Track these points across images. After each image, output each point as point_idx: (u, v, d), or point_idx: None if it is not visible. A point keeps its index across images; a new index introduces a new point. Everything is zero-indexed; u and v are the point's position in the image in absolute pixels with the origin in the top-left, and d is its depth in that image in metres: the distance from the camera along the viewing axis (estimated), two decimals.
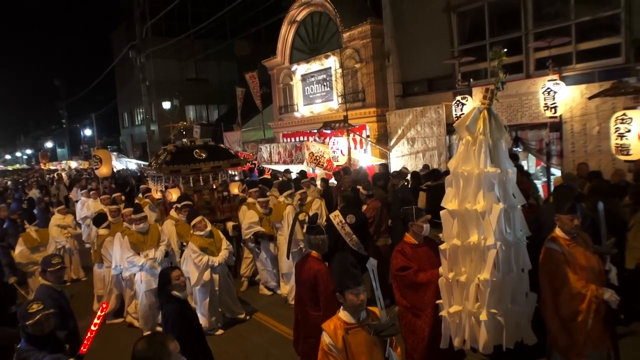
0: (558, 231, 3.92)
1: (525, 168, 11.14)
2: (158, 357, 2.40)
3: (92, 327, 3.37)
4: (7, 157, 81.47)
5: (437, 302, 4.05)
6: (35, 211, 12.09)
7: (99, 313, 3.41)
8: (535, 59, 10.58)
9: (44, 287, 4.75)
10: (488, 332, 3.58)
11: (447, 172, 9.13)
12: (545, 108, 9.43)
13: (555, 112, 9.35)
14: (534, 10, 10.51)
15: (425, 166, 11.69)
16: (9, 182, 29.92)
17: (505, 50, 3.83)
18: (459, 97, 10.97)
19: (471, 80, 11.25)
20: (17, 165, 66.97)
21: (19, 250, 8.26)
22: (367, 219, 6.93)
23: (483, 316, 3.54)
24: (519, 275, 3.74)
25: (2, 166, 64.62)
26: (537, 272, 3.93)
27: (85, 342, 3.36)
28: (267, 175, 14.95)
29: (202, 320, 6.24)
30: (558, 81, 9.26)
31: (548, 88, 9.30)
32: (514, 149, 10.39)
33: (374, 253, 6.40)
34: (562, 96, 9.24)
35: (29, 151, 75.18)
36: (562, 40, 9.61)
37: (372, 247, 6.80)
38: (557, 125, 9.74)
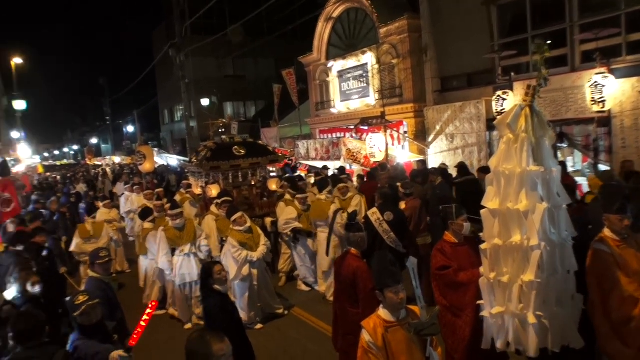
0: (607, 232, 3.79)
1: (572, 164, 10.87)
2: (202, 354, 2.45)
3: (142, 323, 3.48)
4: (56, 152, 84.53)
5: (478, 302, 3.99)
6: (83, 205, 12.60)
7: (148, 310, 3.51)
8: (581, 52, 10.20)
9: (93, 279, 4.95)
10: (535, 335, 3.51)
11: (486, 169, 9.06)
12: (593, 102, 9.12)
13: (603, 107, 9.02)
14: (580, 1, 10.14)
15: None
16: (58, 177, 31.09)
17: (549, 42, 3.72)
18: (499, 92, 10.73)
19: (512, 74, 10.96)
20: (65, 161, 69.56)
21: (76, 242, 8.79)
22: (405, 216, 6.87)
23: (531, 319, 3.46)
24: (565, 276, 3.64)
25: (51, 161, 67.18)
26: (584, 273, 3.82)
27: (134, 335, 3.47)
28: (302, 172, 15.02)
29: (242, 314, 6.32)
30: (607, 74, 8.93)
31: (595, 82, 8.98)
32: (559, 144, 10.12)
33: (415, 251, 6.36)
34: (610, 90, 8.91)
35: (75, 147, 77.91)
36: (610, 31, 9.20)
37: (412, 245, 6.75)
38: (605, 120, 9.38)
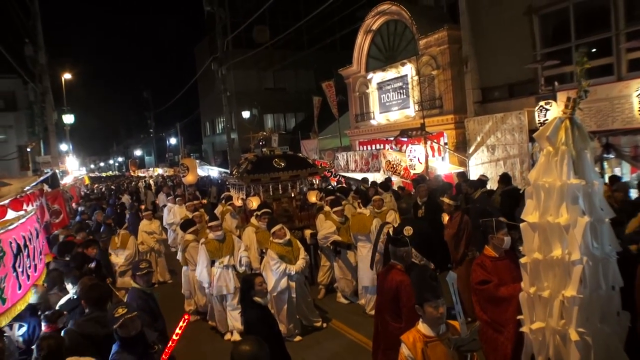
0: None
1: (619, 175, 10.53)
2: (263, 356, 2.68)
3: (174, 337, 3.53)
4: (101, 164, 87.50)
5: (518, 317, 3.93)
6: (127, 216, 13.00)
7: (181, 324, 3.56)
8: (627, 60, 9.91)
9: (134, 290, 5.12)
10: (577, 352, 3.42)
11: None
12: None
13: None
14: (626, 8, 9.86)
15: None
16: (104, 189, 32.11)
17: (594, 50, 3.67)
18: (542, 103, 10.52)
19: (556, 84, 10.74)
20: (110, 172, 72.01)
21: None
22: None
23: (573, 335, 3.38)
24: (609, 292, 3.55)
25: (97, 173, 69.57)
26: (631, 289, 3.71)
27: (166, 350, 3.53)
28: (333, 181, 15.04)
29: (281, 327, 6.36)
30: None
31: None
32: (605, 155, 9.82)
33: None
34: None
35: (120, 159, 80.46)
36: None
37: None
38: None
